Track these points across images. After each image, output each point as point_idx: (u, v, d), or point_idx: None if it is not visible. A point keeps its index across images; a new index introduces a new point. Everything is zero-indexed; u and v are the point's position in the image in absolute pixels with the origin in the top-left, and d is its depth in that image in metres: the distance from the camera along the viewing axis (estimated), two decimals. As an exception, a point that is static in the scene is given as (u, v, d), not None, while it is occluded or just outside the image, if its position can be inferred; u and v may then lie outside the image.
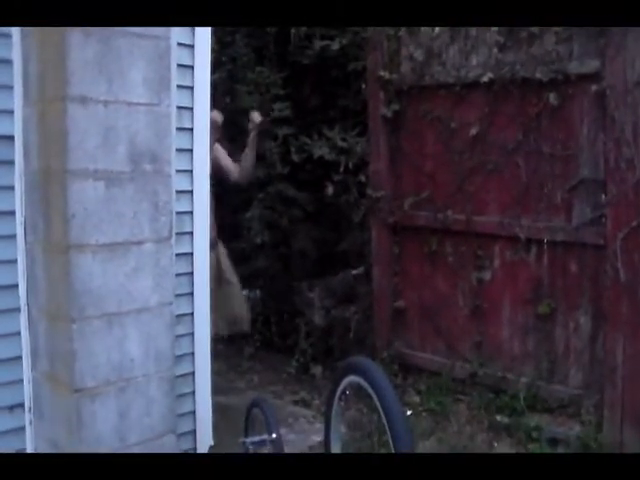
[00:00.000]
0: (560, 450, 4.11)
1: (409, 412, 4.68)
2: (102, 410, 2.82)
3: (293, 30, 5.86)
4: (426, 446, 4.23)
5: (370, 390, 2.75)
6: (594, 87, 4.13)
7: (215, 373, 4.36)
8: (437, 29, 4.84)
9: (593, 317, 4.29)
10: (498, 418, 4.44)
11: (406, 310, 5.21)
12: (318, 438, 4.17)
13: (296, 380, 5.58)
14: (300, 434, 4.69)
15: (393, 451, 2.20)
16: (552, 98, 4.30)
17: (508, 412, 4.46)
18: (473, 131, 4.64)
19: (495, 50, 4.55)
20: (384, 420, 2.48)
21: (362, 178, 5.32)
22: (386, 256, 5.26)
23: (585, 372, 4.37)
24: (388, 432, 2.36)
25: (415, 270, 5.12)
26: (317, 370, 5.51)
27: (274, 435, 3.42)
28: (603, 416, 4.19)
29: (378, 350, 5.25)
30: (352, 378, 2.93)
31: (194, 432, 3.71)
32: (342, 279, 5.70)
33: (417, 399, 4.93)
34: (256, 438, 3.54)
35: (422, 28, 4.92)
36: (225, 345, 5.80)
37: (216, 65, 4.53)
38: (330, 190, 5.44)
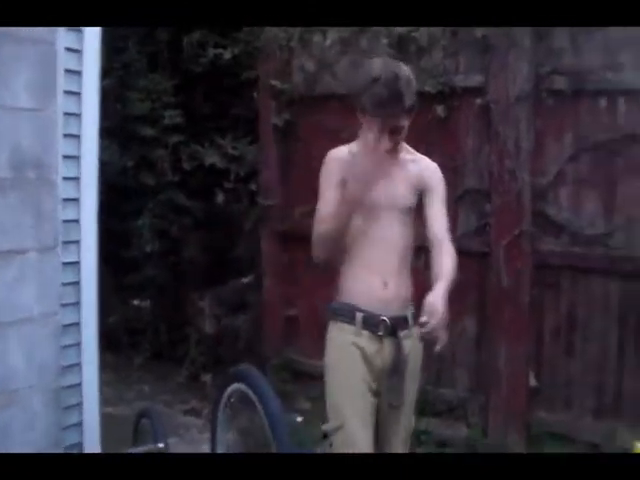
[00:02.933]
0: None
1: (300, 419, 4.71)
2: (-17, 424, 2.74)
3: (185, 38, 5.83)
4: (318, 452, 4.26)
5: (253, 397, 2.77)
6: (478, 101, 4.26)
7: (104, 384, 4.30)
8: (329, 40, 4.90)
9: (478, 322, 4.42)
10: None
11: (297, 318, 5.24)
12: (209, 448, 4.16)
13: (187, 389, 5.54)
14: (191, 444, 4.66)
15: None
16: (440, 110, 4.41)
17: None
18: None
19: (384, 62, 4.63)
20: (266, 426, 2.51)
21: (253, 187, 5.32)
22: (276, 264, 5.28)
23: (471, 376, 4.50)
24: (271, 437, 2.39)
25: (305, 278, 5.16)
26: (208, 379, 5.48)
27: (161, 445, 3.39)
28: (488, 420, 4.32)
29: (269, 358, 5.26)
30: (236, 386, 2.95)
31: (81, 444, 3.64)
32: (233, 287, 5.69)
33: (308, 405, 4.96)
34: (142, 448, 3.51)
35: (314, 39, 4.97)
36: (115, 355, 5.72)
37: (107, 71, 4.46)
38: (221, 198, 5.42)
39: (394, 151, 2.74)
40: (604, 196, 4.09)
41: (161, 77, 5.89)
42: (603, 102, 4.04)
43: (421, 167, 2.88)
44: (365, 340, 2.75)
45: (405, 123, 2.68)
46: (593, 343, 4.15)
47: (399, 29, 4.57)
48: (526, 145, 4.17)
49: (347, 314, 2.80)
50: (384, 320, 2.73)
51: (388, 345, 2.76)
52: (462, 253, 4.47)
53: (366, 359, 2.74)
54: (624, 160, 4.00)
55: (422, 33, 4.49)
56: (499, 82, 4.21)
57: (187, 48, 5.83)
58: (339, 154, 2.87)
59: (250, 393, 2.84)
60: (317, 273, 5.08)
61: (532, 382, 4.32)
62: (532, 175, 4.18)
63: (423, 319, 2.55)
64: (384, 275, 2.77)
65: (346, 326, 2.79)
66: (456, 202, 4.40)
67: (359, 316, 2.76)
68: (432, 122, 4.47)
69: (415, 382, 2.88)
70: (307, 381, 5.18)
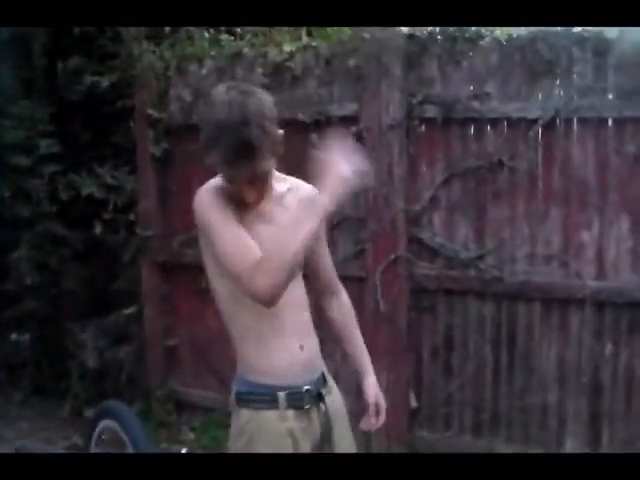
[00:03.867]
0: None
1: (184, 450, 4.66)
2: None
3: (60, 64, 5.75)
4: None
5: (122, 433, 2.73)
6: (353, 129, 4.35)
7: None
8: (205, 69, 4.92)
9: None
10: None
11: (178, 348, 5.20)
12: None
13: (70, 425, 5.41)
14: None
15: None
16: (314, 139, 4.48)
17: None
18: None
19: (260, 91, 4.68)
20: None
21: (132, 217, 5.26)
22: (156, 295, 5.23)
23: (352, 400, 4.54)
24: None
25: (186, 308, 5.13)
26: (91, 413, 5.37)
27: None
28: (371, 441, 4.37)
29: (152, 389, 5.20)
30: (106, 422, 2.90)
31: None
32: (115, 319, 5.59)
33: (192, 436, 4.93)
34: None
35: (190, 68, 4.98)
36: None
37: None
38: (99, 229, 5.33)
39: (263, 198, 2.35)
40: (475, 220, 4.23)
41: (36, 104, 5.77)
42: (471, 130, 4.18)
43: (301, 197, 2.41)
44: (292, 421, 2.31)
45: (267, 166, 2.29)
46: (470, 362, 4.27)
47: (274, 59, 4.63)
48: (399, 172, 4.28)
49: (265, 397, 2.30)
50: (308, 390, 2.34)
51: (315, 416, 2.38)
52: (340, 278, 4.58)
53: (297, 444, 2.29)
54: (492, 185, 4.15)
55: (297, 62, 4.56)
56: (372, 110, 4.31)
57: (63, 75, 5.74)
58: (212, 186, 2.38)
59: (119, 430, 2.80)
60: (196, 302, 5.09)
61: (412, 403, 4.41)
62: (406, 201, 4.29)
63: (373, 421, 2.50)
64: (299, 337, 2.37)
65: (266, 413, 2.29)
66: (333, 229, 4.46)
67: (281, 395, 2.29)
68: (307, 150, 4.52)
69: (348, 429, 2.54)
70: (190, 411, 5.15)
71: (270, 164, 2.31)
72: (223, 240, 2.17)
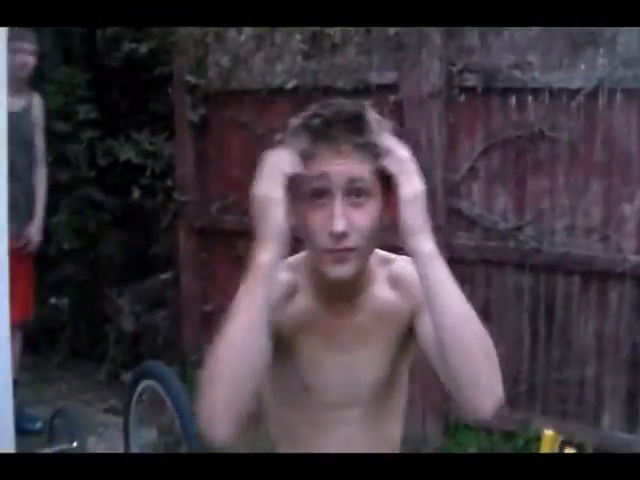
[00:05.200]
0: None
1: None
2: None
3: (100, 31, 5.76)
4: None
5: (163, 394, 2.76)
6: (392, 97, 4.31)
7: (22, 384, 4.23)
8: (243, 36, 4.90)
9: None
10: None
11: (214, 313, 5.23)
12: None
13: (106, 387, 5.48)
14: (110, 442, 4.62)
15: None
16: (353, 106, 4.45)
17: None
18: (278, 137, 4.72)
19: (299, 58, 4.66)
20: (177, 422, 2.52)
21: (170, 182, 5.28)
22: (194, 260, 5.26)
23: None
24: (181, 433, 2.39)
25: (223, 274, 5.15)
26: (127, 377, 5.43)
27: (75, 444, 3.37)
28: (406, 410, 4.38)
29: (187, 354, 5.24)
30: (147, 382, 2.94)
31: (-7, 446, 3.57)
32: (151, 284, 5.64)
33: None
34: (56, 448, 3.48)
35: (229, 34, 4.96)
36: (32, 355, 5.62)
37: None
38: (137, 194, 5.37)
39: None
40: (514, 191, 4.19)
41: (75, 71, 5.80)
42: (512, 100, 4.13)
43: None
44: None
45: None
46: (507, 335, 4.25)
47: (313, 25, 4.60)
48: (438, 141, 4.24)
49: None
50: None
51: None
52: (382, 249, 4.57)
53: None
54: (532, 156, 4.11)
55: (336, 30, 4.52)
56: (411, 79, 4.27)
57: (102, 41, 5.75)
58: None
59: (160, 390, 2.83)
60: (233, 268, 5.11)
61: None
62: (445, 171, 4.26)
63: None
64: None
65: None
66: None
67: None
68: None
69: None
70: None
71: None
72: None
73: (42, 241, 4.94)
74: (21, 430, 3.97)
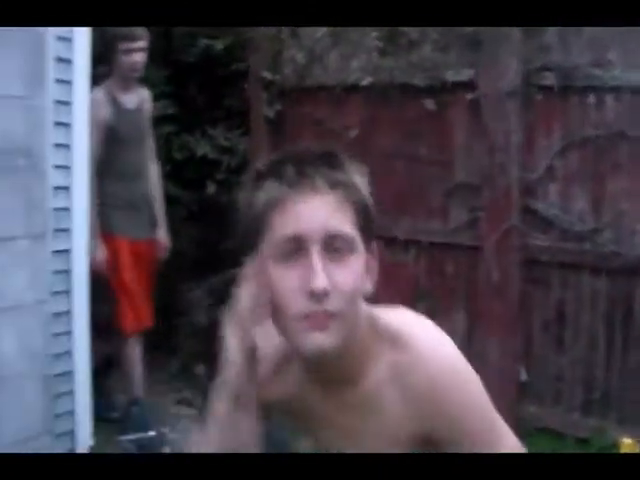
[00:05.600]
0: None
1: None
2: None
3: (176, 28, 5.82)
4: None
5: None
6: (469, 95, 4.28)
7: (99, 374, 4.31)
8: (319, 33, 4.92)
9: (468, 316, 4.44)
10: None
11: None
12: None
13: (179, 379, 5.55)
14: (182, 433, 4.67)
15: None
16: (429, 104, 4.43)
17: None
18: (352, 133, 4.73)
19: (375, 55, 4.66)
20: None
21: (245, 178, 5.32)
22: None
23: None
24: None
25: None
26: (200, 370, 5.49)
27: (152, 433, 3.42)
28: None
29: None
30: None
31: (72, 432, 3.65)
32: (224, 279, 5.67)
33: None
34: (133, 436, 3.54)
35: (304, 31, 4.99)
36: (105, 344, 5.72)
37: (98, 59, 4.47)
38: (212, 189, 5.42)
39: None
40: (593, 192, 4.11)
41: (152, 67, 5.88)
42: (591, 98, 4.06)
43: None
44: None
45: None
46: (582, 339, 4.18)
47: (390, 22, 4.59)
48: (515, 140, 4.19)
49: None
50: None
51: None
52: (453, 247, 4.56)
53: None
54: (611, 156, 4.03)
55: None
56: (489, 77, 4.23)
57: (178, 39, 5.82)
58: None
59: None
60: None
61: (522, 376, 4.35)
62: (521, 170, 4.20)
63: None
64: None
65: None
66: (446, 196, 4.42)
67: None
68: (421, 116, 4.49)
69: None
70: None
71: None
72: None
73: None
74: (99, 417, 4.05)
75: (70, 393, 3.63)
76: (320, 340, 1.23)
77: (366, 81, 4.64)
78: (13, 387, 2.88)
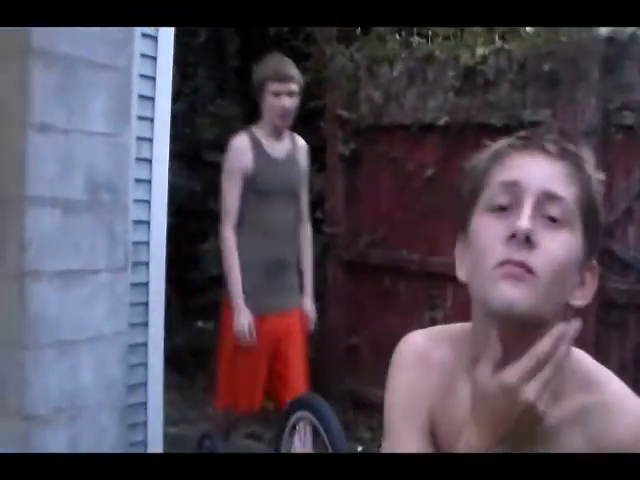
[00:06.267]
0: None
1: (360, 448, 4.71)
2: (52, 438, 2.82)
3: (255, 66, 5.93)
4: None
5: (319, 426, 2.79)
6: (547, 135, 4.25)
7: (168, 403, 4.36)
8: (395, 71, 4.95)
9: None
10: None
11: (359, 347, 5.25)
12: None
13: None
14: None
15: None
16: (507, 143, 4.41)
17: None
18: (428, 173, 4.74)
19: (451, 94, 4.67)
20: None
21: (319, 214, 5.37)
22: (340, 293, 5.31)
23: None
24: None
25: (369, 308, 5.17)
26: (269, 404, 5.51)
27: (223, 467, 3.43)
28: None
29: (330, 386, 5.27)
30: (301, 414, 2.97)
31: (144, 462, 3.70)
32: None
33: (369, 435, 4.96)
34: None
35: (381, 70, 5.03)
36: (179, 376, 5.79)
37: (177, 96, 4.58)
38: (287, 225, 5.47)
39: None
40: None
41: (229, 103, 5.99)
42: (673, 138, 4.00)
43: None
44: None
45: None
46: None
47: (467, 62, 4.59)
48: (594, 180, 4.13)
49: None
50: None
51: None
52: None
53: None
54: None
55: (489, 66, 4.50)
56: (566, 116, 4.19)
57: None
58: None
59: (314, 421, 2.86)
60: (379, 302, 5.14)
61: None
62: (599, 211, 4.14)
63: None
64: None
65: None
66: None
67: None
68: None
69: None
70: (367, 411, 5.18)
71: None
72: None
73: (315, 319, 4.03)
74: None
75: (143, 423, 3.69)
76: (511, 292, 1.12)
77: (442, 120, 4.65)
78: (91, 417, 2.94)
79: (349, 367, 5.32)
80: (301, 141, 4.08)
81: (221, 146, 5.83)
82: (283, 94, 3.73)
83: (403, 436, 1.28)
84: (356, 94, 5.17)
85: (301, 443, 3.13)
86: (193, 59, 6.02)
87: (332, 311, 5.36)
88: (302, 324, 3.87)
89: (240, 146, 3.74)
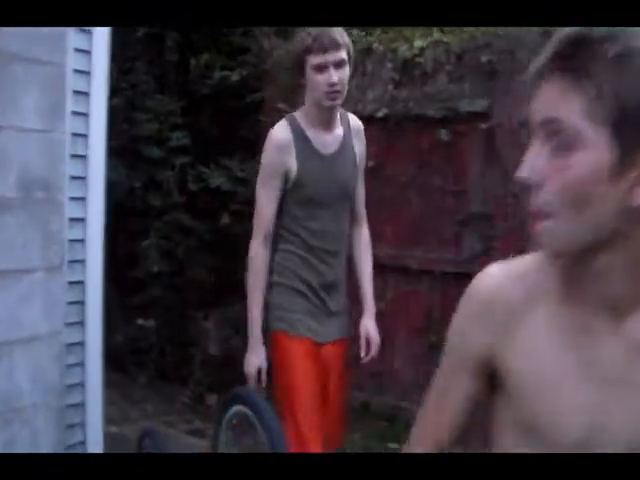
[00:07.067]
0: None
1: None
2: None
3: (193, 60, 5.88)
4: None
5: (254, 420, 2.77)
6: (483, 125, 4.29)
7: (108, 403, 4.30)
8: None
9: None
10: (391, 446, 4.50)
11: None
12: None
13: (191, 410, 5.53)
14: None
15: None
16: (444, 134, 4.45)
17: (401, 440, 4.52)
18: (368, 164, 4.73)
19: (390, 86, 4.68)
20: (267, 449, 2.53)
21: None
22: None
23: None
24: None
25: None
26: (212, 400, 5.48)
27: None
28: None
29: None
30: (237, 408, 2.95)
31: (83, 463, 3.65)
32: (239, 309, 5.68)
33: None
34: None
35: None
36: (119, 374, 5.72)
37: (115, 91, 4.50)
38: (226, 219, 5.44)
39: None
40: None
41: (168, 98, 5.93)
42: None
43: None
44: None
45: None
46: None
47: (405, 55, 4.61)
48: (530, 170, 4.19)
49: None
50: None
51: None
52: (467, 277, 4.51)
53: None
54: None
55: (427, 58, 4.53)
56: (503, 107, 4.24)
57: (194, 70, 5.88)
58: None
59: (251, 415, 2.84)
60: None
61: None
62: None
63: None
64: None
65: None
66: (460, 225, 4.41)
67: None
68: (436, 146, 4.50)
69: None
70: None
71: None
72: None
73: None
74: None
75: (82, 424, 3.63)
76: (541, 241, 1.13)
77: (381, 112, 4.66)
78: (27, 419, 2.88)
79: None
80: (356, 122, 3.28)
81: (160, 141, 5.80)
82: (330, 66, 2.92)
83: (453, 381, 1.25)
84: (295, 87, 5.15)
85: (238, 438, 3.09)
86: (131, 54, 5.94)
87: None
88: (345, 357, 3.16)
89: (281, 140, 3.00)
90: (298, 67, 2.97)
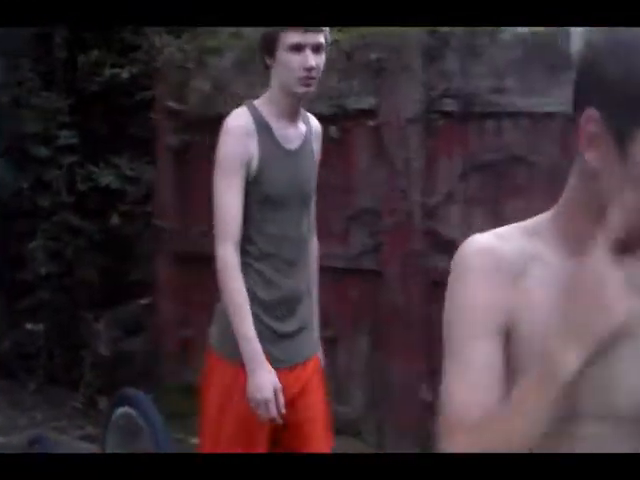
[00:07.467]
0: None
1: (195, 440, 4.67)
2: None
3: (82, 57, 5.77)
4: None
5: (141, 421, 2.74)
6: (371, 122, 4.35)
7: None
8: (226, 61, 4.93)
9: (372, 340, 4.47)
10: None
11: (194, 339, 5.20)
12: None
13: (82, 414, 5.42)
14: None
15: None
16: (333, 131, 4.47)
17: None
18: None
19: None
20: (154, 449, 2.50)
21: (149, 208, 5.29)
22: (172, 286, 5.25)
23: (366, 394, 4.53)
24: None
25: (202, 299, 5.12)
26: (104, 403, 5.38)
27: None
28: (385, 435, 4.36)
29: (166, 380, 5.21)
30: (123, 410, 2.91)
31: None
32: (130, 310, 5.61)
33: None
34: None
35: (210, 61, 5.00)
36: (7, 381, 5.57)
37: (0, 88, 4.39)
38: (116, 220, 5.36)
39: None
40: (493, 215, 4.20)
41: (56, 96, 5.81)
42: (490, 124, 4.16)
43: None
44: None
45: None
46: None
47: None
48: (416, 165, 4.27)
49: None
50: None
51: None
52: (355, 272, 4.58)
53: None
54: (511, 180, 4.13)
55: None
56: (390, 104, 4.30)
57: (83, 67, 5.77)
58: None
59: (136, 416, 2.81)
60: (214, 293, 5.09)
61: (427, 396, 4.39)
62: (423, 194, 4.28)
63: None
64: None
65: None
66: (349, 221, 4.45)
67: None
68: (325, 143, 4.53)
69: None
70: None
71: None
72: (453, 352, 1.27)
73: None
74: None
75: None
76: None
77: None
78: None
79: (186, 359, 5.26)
80: (316, 122, 3.04)
81: (46, 140, 5.67)
82: (307, 47, 2.58)
83: (477, 353, 1.21)
84: (186, 85, 5.12)
85: (125, 439, 3.04)
86: (17, 50, 5.79)
87: (165, 305, 5.29)
88: (320, 374, 2.95)
89: (242, 126, 2.66)
90: (266, 44, 2.62)
